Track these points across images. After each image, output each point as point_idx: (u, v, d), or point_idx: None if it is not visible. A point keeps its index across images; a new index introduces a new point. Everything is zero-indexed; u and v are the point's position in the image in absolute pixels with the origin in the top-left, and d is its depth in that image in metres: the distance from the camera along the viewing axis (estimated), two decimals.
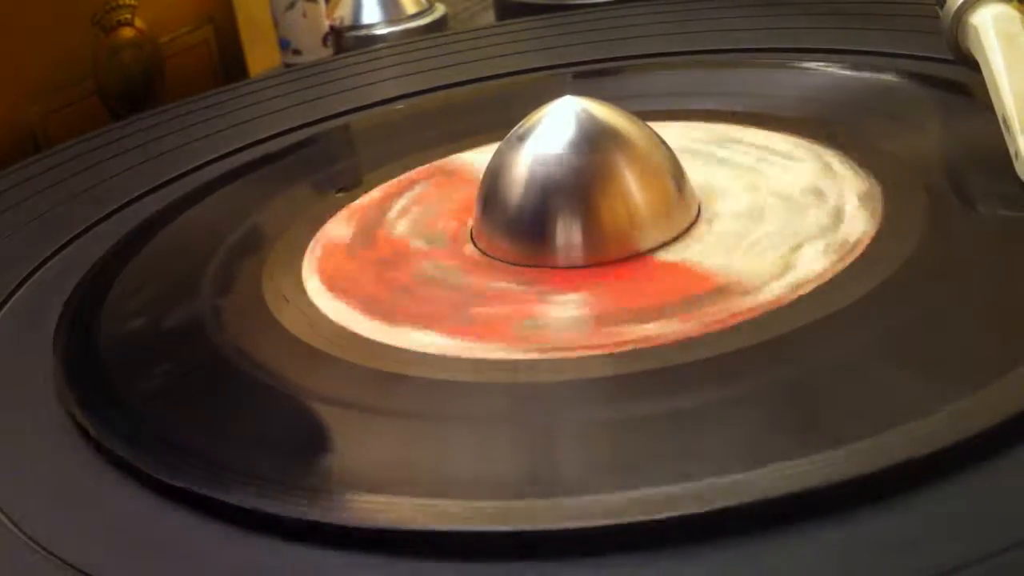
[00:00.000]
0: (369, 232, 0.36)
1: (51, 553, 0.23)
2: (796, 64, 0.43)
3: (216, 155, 0.44)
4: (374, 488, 0.24)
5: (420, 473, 0.24)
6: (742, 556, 0.20)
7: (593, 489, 0.23)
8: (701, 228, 0.32)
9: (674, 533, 0.21)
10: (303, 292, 0.32)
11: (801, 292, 0.28)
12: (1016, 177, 0.31)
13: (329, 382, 0.28)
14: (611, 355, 0.27)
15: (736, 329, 0.27)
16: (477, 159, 0.38)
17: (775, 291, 0.29)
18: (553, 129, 0.32)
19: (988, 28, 0.35)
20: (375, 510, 0.23)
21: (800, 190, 0.33)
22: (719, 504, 0.21)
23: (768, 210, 0.33)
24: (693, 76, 0.44)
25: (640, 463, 0.23)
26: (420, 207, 0.37)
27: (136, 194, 0.41)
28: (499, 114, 0.39)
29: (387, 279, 0.33)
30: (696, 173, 0.34)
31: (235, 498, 0.23)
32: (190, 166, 0.43)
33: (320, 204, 0.38)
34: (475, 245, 0.33)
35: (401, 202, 0.37)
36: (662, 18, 0.51)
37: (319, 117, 0.46)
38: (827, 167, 0.34)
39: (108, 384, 0.29)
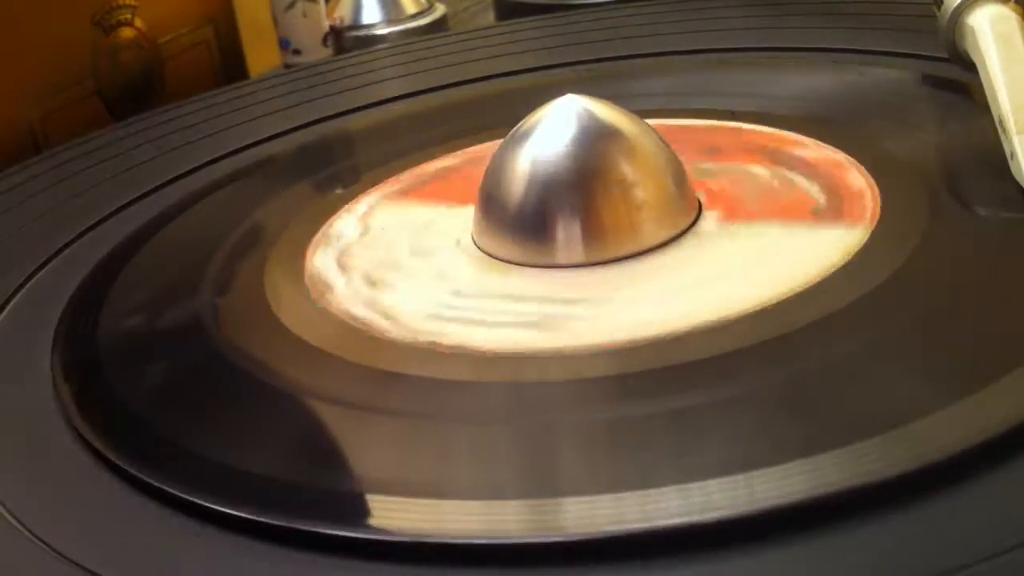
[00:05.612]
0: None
1: (56, 551, 0.23)
2: (796, 64, 0.43)
3: (216, 155, 0.44)
4: (375, 490, 0.24)
5: (420, 474, 0.24)
6: (742, 561, 0.20)
7: (592, 491, 0.23)
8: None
9: (675, 539, 0.21)
10: (303, 292, 0.32)
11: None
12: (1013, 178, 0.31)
13: (330, 381, 0.28)
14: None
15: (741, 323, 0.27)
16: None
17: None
18: (554, 128, 0.32)
19: (985, 29, 0.35)
20: (377, 513, 0.23)
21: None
22: (719, 511, 0.21)
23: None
24: (693, 76, 0.44)
25: (638, 465, 0.23)
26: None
27: (136, 194, 0.41)
28: (499, 114, 0.39)
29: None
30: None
31: (233, 501, 0.23)
32: (190, 166, 0.43)
33: (320, 204, 0.38)
34: (475, 244, 0.33)
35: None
36: (662, 18, 0.51)
37: (319, 117, 0.46)
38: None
39: (108, 384, 0.29)
